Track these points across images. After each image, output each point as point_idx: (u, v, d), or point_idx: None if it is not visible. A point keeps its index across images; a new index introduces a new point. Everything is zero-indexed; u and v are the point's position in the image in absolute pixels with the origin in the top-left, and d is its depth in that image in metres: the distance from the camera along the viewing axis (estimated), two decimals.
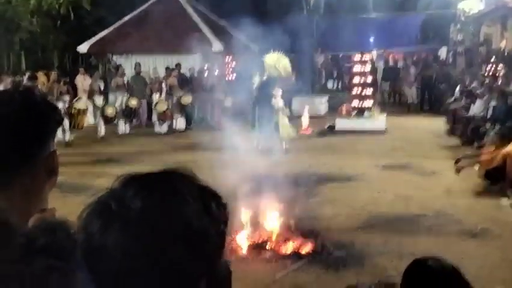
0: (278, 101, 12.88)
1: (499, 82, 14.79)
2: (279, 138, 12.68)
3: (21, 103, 1.41)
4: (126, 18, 20.49)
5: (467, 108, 14.35)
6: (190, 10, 20.69)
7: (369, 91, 15.80)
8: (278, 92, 12.85)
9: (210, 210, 0.98)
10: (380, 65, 22.44)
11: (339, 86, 25.20)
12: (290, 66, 13.28)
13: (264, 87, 12.98)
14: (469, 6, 20.48)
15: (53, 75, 15.80)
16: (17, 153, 1.37)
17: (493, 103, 12.95)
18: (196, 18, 20.33)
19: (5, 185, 1.36)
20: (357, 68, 16.13)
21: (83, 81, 17.00)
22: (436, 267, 1.76)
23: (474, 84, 15.78)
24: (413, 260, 1.78)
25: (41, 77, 17.15)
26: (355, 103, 15.67)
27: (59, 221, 1.05)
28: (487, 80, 15.73)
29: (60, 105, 14.04)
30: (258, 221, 6.97)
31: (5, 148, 1.36)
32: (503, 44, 15.81)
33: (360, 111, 15.46)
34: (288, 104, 17.06)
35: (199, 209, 0.96)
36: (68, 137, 14.25)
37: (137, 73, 17.20)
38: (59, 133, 13.65)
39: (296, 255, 6.31)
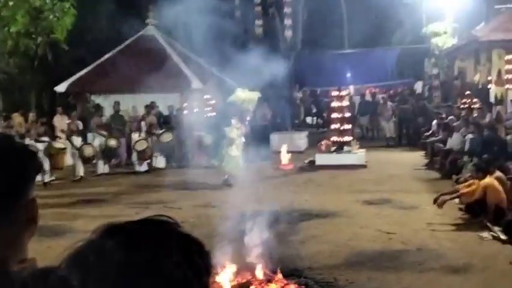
0: (231, 131, 12.90)
1: (475, 115, 15.03)
2: (222, 169, 12.74)
3: (0, 151, 1.38)
4: (104, 57, 20.54)
5: (445, 142, 14.52)
6: (168, 48, 20.82)
7: (347, 126, 15.93)
8: (236, 124, 12.91)
9: (192, 262, 0.97)
10: (357, 100, 22.70)
11: (318, 122, 25.38)
12: (256, 99, 13.41)
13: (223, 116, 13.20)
14: (442, 40, 20.94)
15: (31, 116, 15.69)
16: None
17: (469, 136, 13.13)
18: (175, 56, 20.46)
19: None
20: (335, 103, 16.28)
21: (60, 121, 16.88)
22: None
23: (450, 118, 16.01)
24: None
25: (17, 118, 17.01)
26: (334, 138, 15.76)
27: (51, 266, 1.03)
28: (463, 113, 16.00)
29: (39, 146, 13.92)
30: (240, 260, 6.88)
31: None
32: (477, 77, 16.13)
33: (340, 147, 15.54)
34: (265, 140, 17.19)
35: (180, 261, 0.95)
36: (47, 178, 14.07)
37: (116, 112, 17.15)
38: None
39: None
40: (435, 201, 9.18)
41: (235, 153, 12.88)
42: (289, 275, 6.71)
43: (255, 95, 13.25)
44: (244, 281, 6.47)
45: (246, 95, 13.00)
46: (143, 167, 15.90)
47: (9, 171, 1.35)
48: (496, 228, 8.27)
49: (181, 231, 1.00)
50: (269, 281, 6.47)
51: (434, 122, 16.97)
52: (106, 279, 0.91)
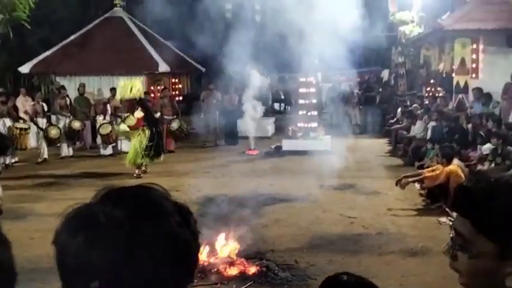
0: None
1: (438, 103, 15.31)
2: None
3: None
4: (70, 38, 20.18)
5: (408, 129, 14.77)
6: (135, 31, 20.58)
7: (314, 112, 16.06)
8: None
9: (189, 224, 1.00)
10: (325, 87, 22.84)
11: (286, 108, 25.47)
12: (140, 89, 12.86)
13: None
14: (408, 29, 21.20)
15: None
16: None
17: (432, 124, 13.38)
18: (142, 38, 20.24)
19: None
20: (302, 90, 16.38)
21: (24, 102, 16.55)
22: (349, 281, 1.76)
23: (414, 105, 16.28)
24: (327, 277, 1.78)
25: None
26: (301, 124, 15.88)
27: None
28: (427, 101, 16.28)
29: None
30: (204, 244, 6.92)
31: None
32: (441, 66, 16.38)
33: (306, 133, 15.66)
34: (232, 125, 17.21)
35: (181, 222, 0.98)
36: (9, 159, 13.83)
37: (81, 94, 16.90)
38: None
39: (241, 277, 6.29)
40: (397, 182, 9.27)
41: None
42: (251, 257, 6.78)
43: (138, 82, 12.76)
44: (205, 263, 6.51)
45: (129, 83, 12.47)
46: (108, 151, 15.74)
47: None
48: (454, 214, 8.46)
49: (172, 198, 1.04)
50: (231, 263, 6.53)
51: (399, 109, 17.23)
52: (113, 238, 0.92)
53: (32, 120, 15.16)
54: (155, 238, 0.94)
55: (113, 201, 0.98)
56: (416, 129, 14.22)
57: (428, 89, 18.24)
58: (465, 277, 1.23)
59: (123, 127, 12.53)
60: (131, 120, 12.31)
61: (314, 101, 16.25)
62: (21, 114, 15.66)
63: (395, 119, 17.16)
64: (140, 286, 0.92)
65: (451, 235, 1.27)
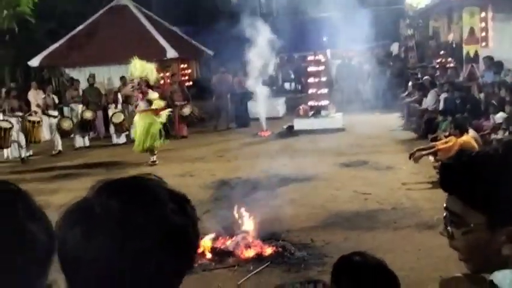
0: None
1: (449, 74, 15.17)
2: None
3: None
4: (77, 29, 20.21)
5: (420, 102, 14.67)
6: (142, 18, 20.55)
7: (324, 90, 16.00)
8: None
9: (185, 211, 1.02)
10: (335, 64, 22.72)
11: (297, 87, 25.37)
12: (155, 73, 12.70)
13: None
14: (416, 1, 20.93)
15: (3, 91, 15.48)
16: None
17: (444, 95, 13.28)
18: (148, 25, 20.21)
19: None
20: (311, 68, 16.31)
21: (36, 95, 16.68)
22: (361, 261, 1.82)
23: (425, 78, 16.15)
24: (340, 256, 1.83)
25: None
26: (312, 103, 15.84)
27: None
28: (438, 73, 16.14)
29: (13, 121, 13.81)
30: (220, 226, 6.99)
31: None
32: (450, 37, 16.22)
33: (317, 111, 15.62)
34: (243, 107, 17.23)
35: (176, 209, 1.00)
36: (24, 153, 13.99)
37: (91, 84, 16.97)
38: (14, 150, 13.14)
39: (258, 258, 6.35)
40: (411, 155, 9.22)
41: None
42: (267, 238, 6.83)
43: (152, 67, 12.58)
44: (222, 246, 6.58)
45: (145, 66, 12.32)
46: (121, 139, 15.85)
47: None
48: None
49: (168, 186, 1.06)
50: (247, 246, 6.58)
51: (410, 82, 17.10)
52: (110, 229, 0.95)
53: (44, 113, 15.28)
54: (149, 227, 0.96)
55: (108, 193, 1.00)
56: (428, 102, 14.10)
57: (439, 60, 18.06)
58: (463, 253, 1.26)
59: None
60: (158, 103, 12.23)
61: (324, 78, 16.18)
62: (34, 108, 15.80)
63: (407, 92, 17.02)
64: (137, 275, 0.94)
65: (444, 215, 1.29)
